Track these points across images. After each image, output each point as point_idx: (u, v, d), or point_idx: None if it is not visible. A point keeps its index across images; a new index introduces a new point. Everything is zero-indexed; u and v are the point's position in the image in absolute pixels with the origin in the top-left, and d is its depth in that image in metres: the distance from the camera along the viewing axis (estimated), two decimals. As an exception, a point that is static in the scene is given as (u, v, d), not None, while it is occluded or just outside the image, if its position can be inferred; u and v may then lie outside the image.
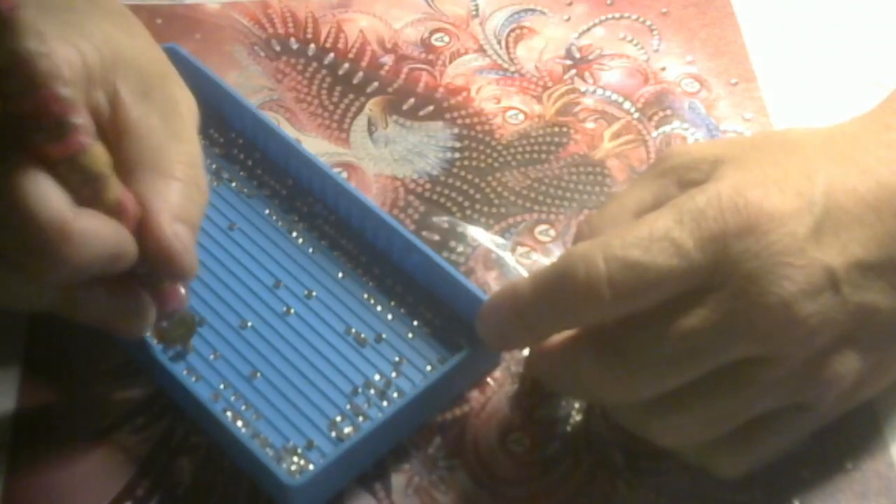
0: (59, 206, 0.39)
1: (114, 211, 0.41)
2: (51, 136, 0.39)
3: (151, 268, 0.43)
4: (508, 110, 0.57)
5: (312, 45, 0.59)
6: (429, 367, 0.47)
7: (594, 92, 0.58)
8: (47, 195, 0.39)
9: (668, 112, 0.58)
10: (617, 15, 0.62)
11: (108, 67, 0.43)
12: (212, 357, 0.47)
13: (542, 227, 0.53)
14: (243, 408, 0.46)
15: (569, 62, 0.59)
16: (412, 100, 0.58)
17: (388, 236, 0.50)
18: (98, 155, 0.40)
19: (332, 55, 0.59)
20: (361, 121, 0.57)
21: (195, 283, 0.49)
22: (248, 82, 0.58)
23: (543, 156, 0.56)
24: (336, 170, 0.53)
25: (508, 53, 0.60)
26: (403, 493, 0.45)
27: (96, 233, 0.40)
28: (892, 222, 0.42)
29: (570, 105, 0.58)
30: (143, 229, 0.42)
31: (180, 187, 0.43)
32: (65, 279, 0.40)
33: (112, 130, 0.43)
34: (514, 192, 0.54)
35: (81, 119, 0.40)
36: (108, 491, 0.45)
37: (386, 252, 0.50)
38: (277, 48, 0.59)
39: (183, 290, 0.45)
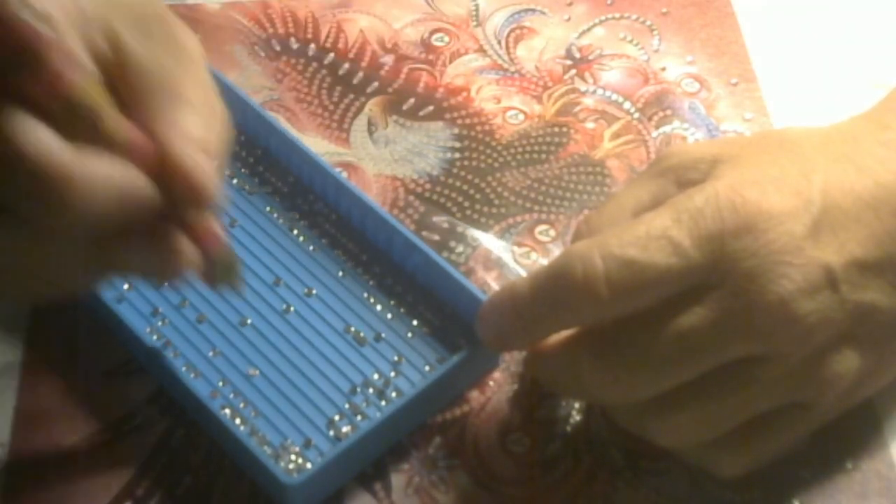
0: (54, 148, 0.36)
1: (122, 150, 0.38)
2: (36, 75, 0.36)
3: (177, 204, 0.39)
4: (508, 110, 0.57)
5: (312, 45, 0.59)
6: (428, 367, 0.47)
7: (594, 92, 0.58)
8: (38, 137, 0.36)
9: (668, 112, 0.57)
10: (617, 15, 0.62)
11: (100, 8, 0.40)
12: (211, 354, 0.47)
13: (542, 227, 0.53)
14: (242, 405, 0.46)
15: (569, 62, 0.59)
16: (412, 100, 0.58)
17: (389, 235, 0.50)
18: (93, 91, 0.38)
19: (332, 55, 0.59)
20: (361, 121, 0.57)
21: (195, 278, 0.49)
22: (248, 82, 0.58)
23: (543, 156, 0.56)
24: (336, 169, 0.53)
25: (508, 53, 0.60)
26: (403, 493, 0.45)
27: (101, 173, 0.37)
28: (890, 221, 0.42)
29: (570, 105, 0.58)
30: (160, 162, 0.39)
31: (194, 113, 0.40)
32: (80, 227, 0.38)
33: (117, 72, 0.40)
34: (514, 192, 0.54)
35: (70, 56, 0.37)
36: (108, 491, 0.45)
37: (386, 251, 0.50)
38: (277, 48, 0.59)
39: (219, 230, 0.41)
